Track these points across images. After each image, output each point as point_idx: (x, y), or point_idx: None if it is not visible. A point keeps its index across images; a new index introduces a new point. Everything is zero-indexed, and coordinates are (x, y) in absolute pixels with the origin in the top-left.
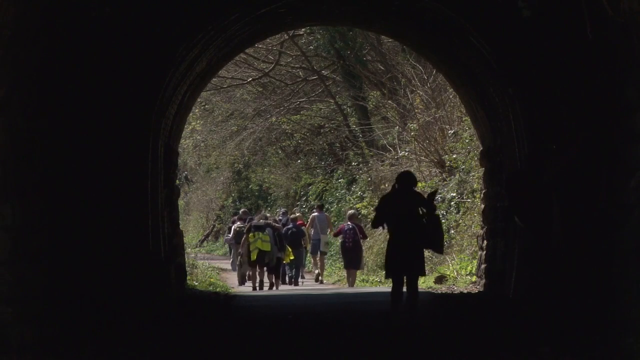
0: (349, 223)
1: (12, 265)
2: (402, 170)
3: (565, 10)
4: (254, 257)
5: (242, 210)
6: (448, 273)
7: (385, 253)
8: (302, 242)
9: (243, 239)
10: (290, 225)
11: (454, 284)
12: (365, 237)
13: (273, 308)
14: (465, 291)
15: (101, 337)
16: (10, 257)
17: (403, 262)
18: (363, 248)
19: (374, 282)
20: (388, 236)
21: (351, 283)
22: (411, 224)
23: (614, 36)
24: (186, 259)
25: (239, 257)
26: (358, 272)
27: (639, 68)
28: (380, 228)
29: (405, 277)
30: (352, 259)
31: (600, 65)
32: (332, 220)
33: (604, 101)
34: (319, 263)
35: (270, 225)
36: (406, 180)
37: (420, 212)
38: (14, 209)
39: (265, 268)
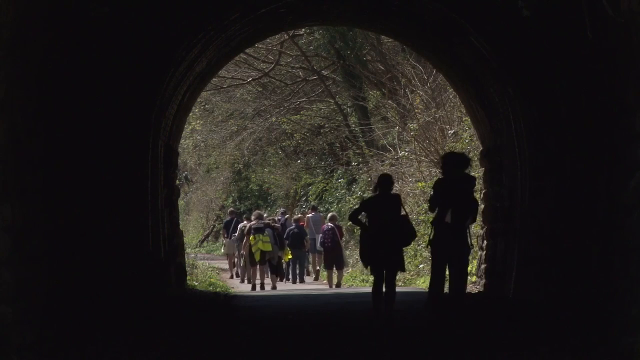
0: (329, 224)
1: (12, 265)
2: (383, 173)
3: (565, 10)
4: (257, 257)
5: (230, 210)
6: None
7: (361, 249)
8: (305, 242)
9: (244, 241)
10: (292, 226)
11: None
12: (341, 235)
13: (273, 308)
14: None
15: (101, 337)
16: (10, 257)
17: (385, 260)
18: (343, 248)
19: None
20: (361, 232)
21: (337, 283)
22: (394, 224)
23: (614, 36)
24: (186, 259)
25: (242, 258)
26: (357, 272)
27: (639, 68)
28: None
29: (385, 273)
30: (333, 259)
31: (600, 65)
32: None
33: (604, 101)
34: (314, 261)
35: (269, 226)
36: (388, 183)
37: (404, 212)
38: (14, 209)
39: (267, 267)
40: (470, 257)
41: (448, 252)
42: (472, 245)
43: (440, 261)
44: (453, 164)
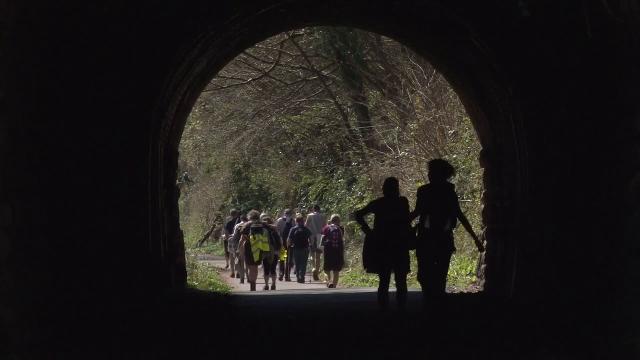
0: (333, 225)
1: (12, 265)
2: (389, 177)
3: (565, 10)
4: (257, 257)
5: (232, 210)
6: (448, 273)
7: (365, 249)
8: (308, 241)
9: (240, 239)
10: (296, 225)
11: (454, 284)
12: (342, 236)
13: (273, 308)
14: (465, 291)
15: (101, 337)
16: (10, 257)
17: (393, 260)
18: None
19: (373, 282)
20: (367, 234)
21: (335, 283)
22: (401, 226)
23: (614, 36)
24: (186, 259)
25: (237, 257)
26: (357, 272)
27: (639, 68)
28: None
29: (394, 274)
30: (337, 260)
31: (600, 65)
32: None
33: (604, 101)
34: (315, 260)
35: (266, 226)
36: (394, 187)
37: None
38: (14, 209)
39: (263, 267)
40: (469, 257)
41: (432, 256)
42: (455, 248)
43: (426, 266)
44: (440, 171)
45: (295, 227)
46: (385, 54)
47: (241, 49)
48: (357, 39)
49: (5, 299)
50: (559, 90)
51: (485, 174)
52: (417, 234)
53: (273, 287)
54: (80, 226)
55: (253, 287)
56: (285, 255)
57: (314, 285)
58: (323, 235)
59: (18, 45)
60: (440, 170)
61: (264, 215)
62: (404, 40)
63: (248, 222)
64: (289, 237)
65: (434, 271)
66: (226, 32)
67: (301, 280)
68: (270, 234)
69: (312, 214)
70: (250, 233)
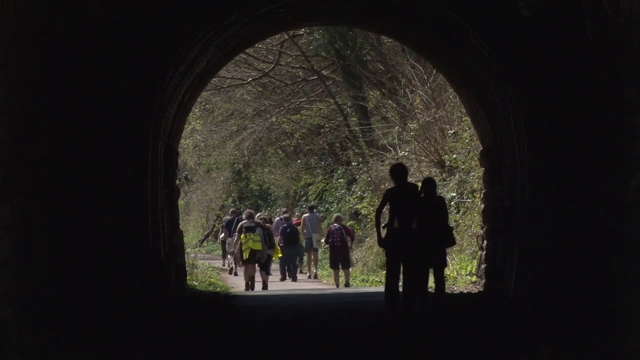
0: (335, 224)
1: (12, 265)
2: (428, 178)
3: (565, 10)
4: (246, 256)
5: (231, 210)
6: (448, 273)
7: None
8: (299, 239)
9: (235, 239)
10: (285, 225)
11: (454, 284)
12: (353, 238)
13: (273, 308)
14: (465, 291)
15: (101, 337)
16: (10, 257)
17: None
18: (350, 247)
19: (374, 282)
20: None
21: (346, 283)
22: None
23: (614, 36)
24: (186, 259)
25: (232, 256)
26: (357, 272)
27: (639, 68)
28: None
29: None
30: (341, 258)
31: (600, 65)
32: (323, 223)
33: (604, 101)
34: (312, 259)
35: (260, 225)
36: (433, 188)
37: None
38: (14, 209)
39: (257, 266)
40: (469, 257)
41: (400, 253)
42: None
43: (394, 262)
44: (403, 174)
45: (284, 225)
46: (385, 54)
47: (241, 49)
48: (357, 39)
49: (5, 299)
50: (559, 90)
51: (485, 174)
52: (386, 233)
53: (265, 287)
54: (80, 226)
55: (247, 286)
56: (280, 255)
57: (315, 285)
58: (326, 235)
59: (18, 45)
60: (403, 172)
61: (259, 215)
62: (404, 40)
63: (243, 221)
64: (280, 235)
65: (414, 268)
66: (226, 32)
67: (294, 279)
68: (263, 233)
69: (307, 214)
70: (243, 232)
